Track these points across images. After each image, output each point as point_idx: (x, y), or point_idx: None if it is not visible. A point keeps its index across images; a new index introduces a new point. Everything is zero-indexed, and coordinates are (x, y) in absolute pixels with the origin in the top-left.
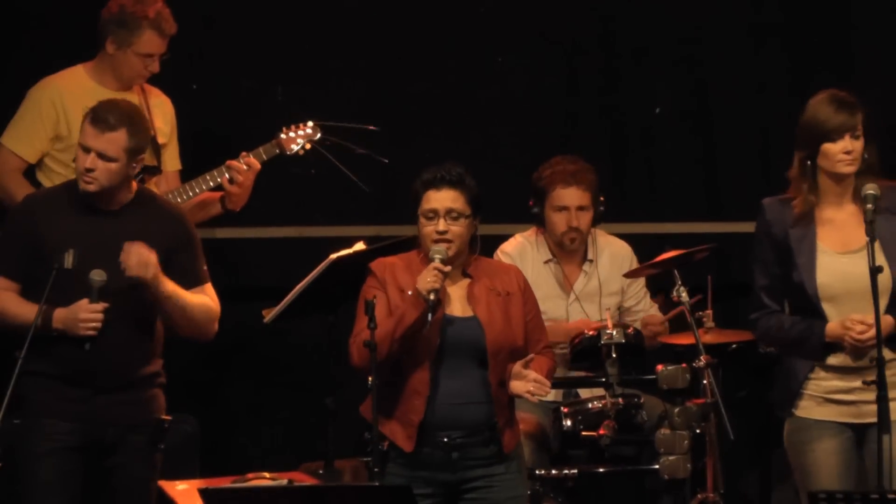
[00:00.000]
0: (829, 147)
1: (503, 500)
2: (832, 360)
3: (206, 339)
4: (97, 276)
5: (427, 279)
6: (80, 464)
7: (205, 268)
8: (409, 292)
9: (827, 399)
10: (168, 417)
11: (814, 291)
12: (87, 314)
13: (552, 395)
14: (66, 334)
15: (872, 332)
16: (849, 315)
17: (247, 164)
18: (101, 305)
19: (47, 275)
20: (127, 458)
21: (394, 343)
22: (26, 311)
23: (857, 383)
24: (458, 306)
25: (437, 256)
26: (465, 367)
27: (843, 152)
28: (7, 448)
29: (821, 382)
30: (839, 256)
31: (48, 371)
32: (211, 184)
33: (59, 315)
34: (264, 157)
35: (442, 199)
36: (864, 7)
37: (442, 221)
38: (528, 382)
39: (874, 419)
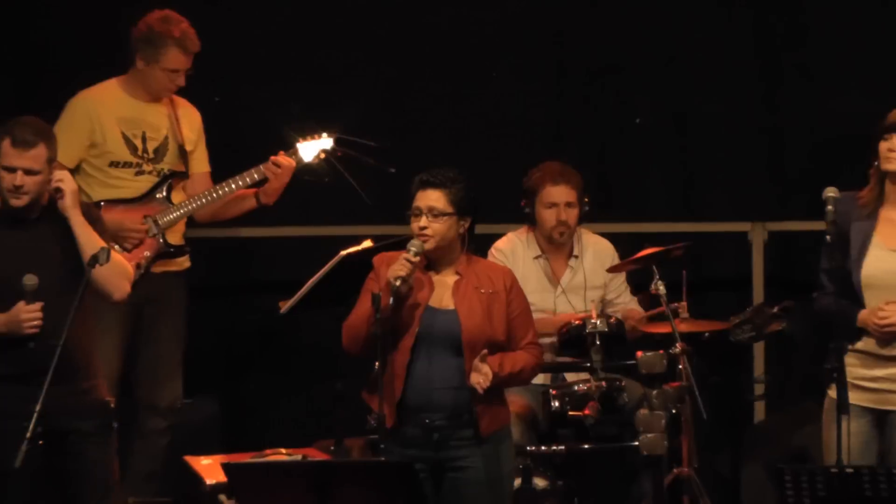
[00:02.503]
0: (881, 145)
1: (481, 481)
2: (861, 345)
3: (121, 297)
4: (29, 280)
5: (394, 267)
6: (40, 456)
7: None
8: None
9: (853, 384)
10: (111, 398)
11: (857, 280)
12: (27, 314)
13: (541, 379)
14: (9, 337)
15: (894, 318)
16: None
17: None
18: (37, 305)
19: None
20: (83, 444)
21: (370, 326)
22: None
23: (879, 371)
24: (441, 299)
25: (413, 249)
26: (443, 355)
27: (888, 150)
28: None
29: (850, 369)
30: (890, 252)
31: (2, 373)
32: (240, 184)
33: (1, 320)
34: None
35: (425, 198)
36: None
37: (423, 218)
38: (479, 375)
39: (894, 406)
